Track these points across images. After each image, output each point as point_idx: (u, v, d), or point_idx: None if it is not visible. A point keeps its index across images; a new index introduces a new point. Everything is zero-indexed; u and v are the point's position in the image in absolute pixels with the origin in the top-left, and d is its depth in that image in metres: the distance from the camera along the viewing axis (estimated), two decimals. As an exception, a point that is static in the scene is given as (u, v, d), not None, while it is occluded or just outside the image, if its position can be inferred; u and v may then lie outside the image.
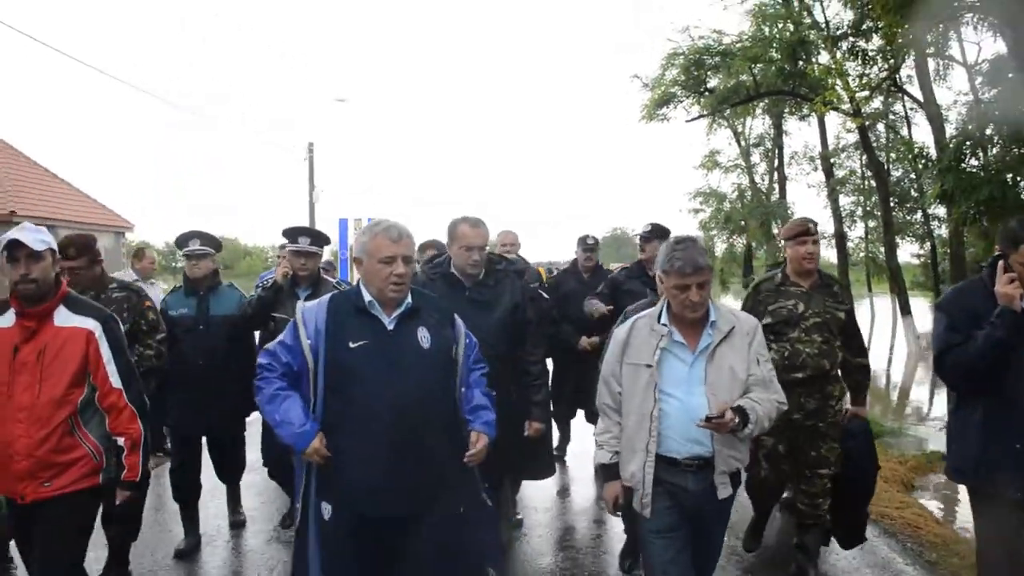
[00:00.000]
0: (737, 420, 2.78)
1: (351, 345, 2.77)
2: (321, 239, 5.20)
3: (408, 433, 2.75)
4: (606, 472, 3.14)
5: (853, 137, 23.24)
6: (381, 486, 2.74)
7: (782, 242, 4.37)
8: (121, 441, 3.18)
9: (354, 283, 5.00)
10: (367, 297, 2.87)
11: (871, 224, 26.83)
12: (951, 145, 10.21)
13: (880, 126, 24.12)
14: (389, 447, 2.73)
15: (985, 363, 3.19)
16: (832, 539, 4.59)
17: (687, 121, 19.59)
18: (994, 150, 9.97)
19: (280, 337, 2.92)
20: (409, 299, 2.90)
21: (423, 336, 2.87)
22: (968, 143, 9.75)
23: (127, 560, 4.53)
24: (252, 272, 56.94)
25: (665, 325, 2.99)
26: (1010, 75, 10.20)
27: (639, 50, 63.47)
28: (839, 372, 4.33)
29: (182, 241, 5.29)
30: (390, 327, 2.85)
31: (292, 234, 5.10)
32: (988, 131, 10.00)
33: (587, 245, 6.44)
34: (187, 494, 5.17)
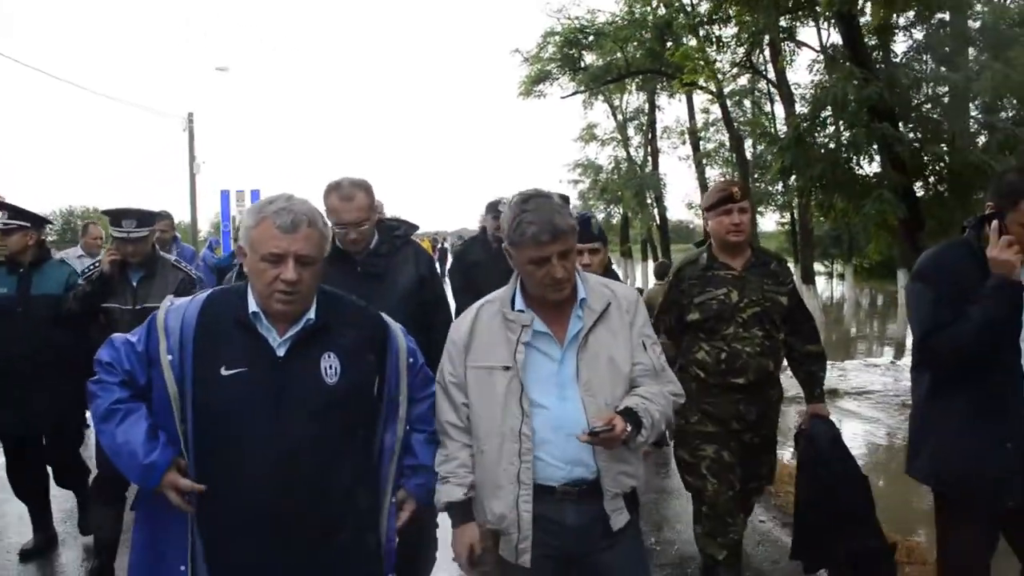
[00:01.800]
0: (629, 428, 2.19)
1: (223, 372, 2.07)
2: (148, 218, 4.53)
3: (297, 503, 2.07)
4: (457, 512, 2.43)
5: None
6: (264, 564, 2.10)
7: (701, 213, 3.55)
8: None
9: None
10: (252, 306, 2.13)
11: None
12: (792, 125, 11.35)
13: (747, 102, 25.72)
14: (272, 519, 2.07)
15: (981, 347, 2.67)
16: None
17: (562, 97, 20.49)
18: (829, 130, 11.15)
19: (130, 335, 2.21)
20: (312, 313, 2.16)
21: (329, 367, 2.13)
22: (805, 124, 10.90)
23: None
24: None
25: (523, 311, 2.37)
26: (845, 63, 11.45)
27: (520, 23, 64.45)
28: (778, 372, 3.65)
29: (115, 218, 4.68)
30: (280, 352, 2.12)
31: (115, 217, 4.44)
32: (824, 113, 11.20)
33: (497, 212, 5.62)
34: (29, 493, 4.84)
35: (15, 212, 4.70)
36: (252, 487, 2.06)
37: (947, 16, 12.14)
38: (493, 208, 5.88)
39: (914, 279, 2.91)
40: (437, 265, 4.81)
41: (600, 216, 31.72)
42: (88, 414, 4.10)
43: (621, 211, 30.50)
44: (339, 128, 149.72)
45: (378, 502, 2.28)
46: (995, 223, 2.64)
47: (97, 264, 4.61)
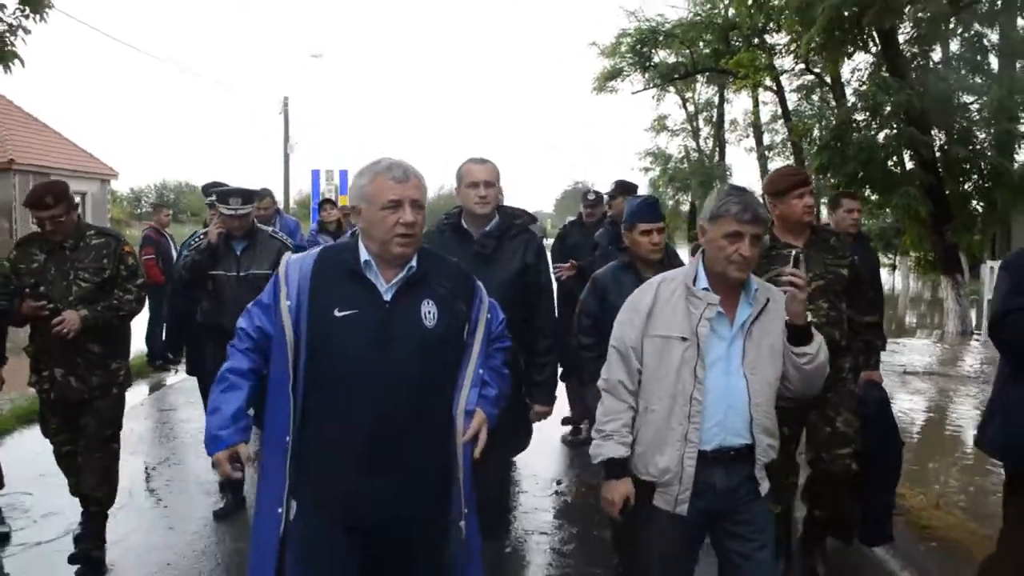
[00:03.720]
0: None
1: (337, 314, 2.28)
2: (251, 197, 4.96)
3: (397, 430, 2.28)
4: (615, 468, 2.66)
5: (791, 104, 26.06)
6: (358, 491, 2.29)
7: (764, 198, 3.67)
8: None
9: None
10: (363, 256, 2.35)
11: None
12: (831, 127, 12.78)
13: (815, 96, 26.76)
14: (372, 445, 2.27)
15: None
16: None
17: (633, 93, 22.03)
18: (864, 133, 12.54)
19: (260, 295, 2.44)
20: (414, 263, 2.36)
21: (428, 311, 2.33)
22: (843, 125, 12.33)
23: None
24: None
25: (708, 289, 2.58)
26: (883, 70, 12.81)
27: (596, 18, 65.91)
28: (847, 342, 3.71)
29: (212, 192, 5.33)
30: (387, 297, 2.33)
31: (223, 196, 4.86)
32: (859, 117, 12.61)
33: (588, 201, 6.68)
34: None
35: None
36: (356, 419, 2.26)
37: (985, 29, 13.28)
38: (584, 197, 6.78)
39: (1000, 268, 3.06)
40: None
41: (669, 203, 33.05)
42: None
43: (689, 199, 31.73)
44: (422, 112, 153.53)
45: (455, 436, 2.41)
46: None
47: (204, 236, 5.00)
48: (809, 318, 2.66)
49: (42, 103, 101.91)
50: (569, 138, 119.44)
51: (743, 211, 2.47)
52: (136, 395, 8.05)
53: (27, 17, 8.18)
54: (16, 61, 8.22)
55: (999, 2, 13.01)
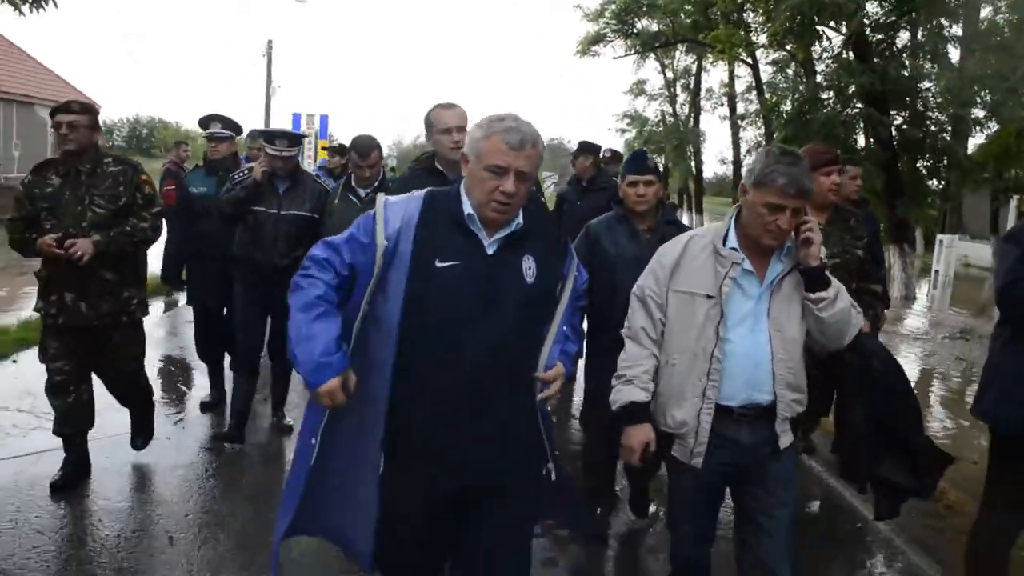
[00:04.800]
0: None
1: (438, 264, 2.20)
2: (297, 140, 5.08)
3: (492, 378, 2.22)
4: (635, 412, 2.67)
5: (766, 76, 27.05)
6: (456, 450, 2.25)
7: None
8: None
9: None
10: (467, 209, 2.26)
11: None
12: (795, 104, 13.74)
13: (790, 70, 27.68)
14: (470, 401, 2.22)
15: None
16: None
17: (615, 58, 22.81)
18: (827, 110, 13.50)
19: (350, 231, 2.31)
20: (520, 219, 2.30)
21: (528, 268, 2.29)
22: (807, 103, 13.28)
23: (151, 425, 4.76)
24: (195, 156, 58.08)
25: (736, 250, 2.58)
26: (847, 54, 13.75)
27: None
28: None
29: (204, 123, 5.56)
30: (490, 251, 2.26)
31: (270, 136, 4.96)
32: (825, 96, 13.57)
33: (587, 154, 6.94)
34: (207, 355, 5.80)
35: (227, 123, 5.49)
36: (456, 371, 2.19)
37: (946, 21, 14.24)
38: (583, 151, 6.97)
39: (1005, 240, 3.12)
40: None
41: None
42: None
43: (663, 161, 32.70)
44: (405, 61, 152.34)
45: (535, 391, 2.36)
46: None
47: (248, 172, 5.01)
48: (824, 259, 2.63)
49: (26, 32, 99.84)
50: (548, 96, 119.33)
51: (788, 184, 2.43)
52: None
53: None
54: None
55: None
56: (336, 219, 4.57)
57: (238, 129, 5.66)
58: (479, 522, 2.37)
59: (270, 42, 31.94)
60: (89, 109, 4.17)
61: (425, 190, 2.36)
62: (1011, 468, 3.05)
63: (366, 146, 4.88)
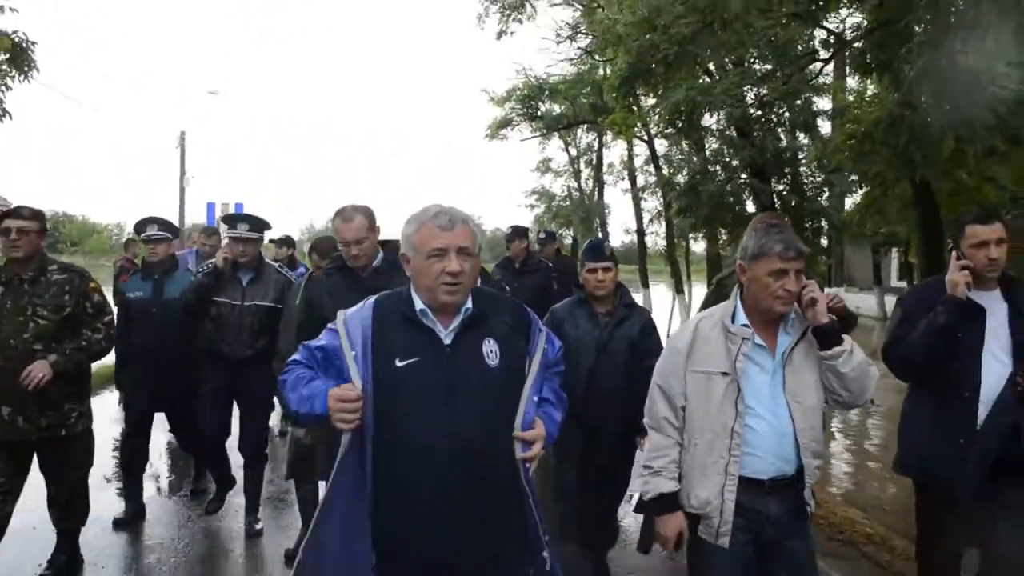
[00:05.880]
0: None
1: (398, 363, 2.24)
2: (261, 224, 5.07)
3: (470, 474, 2.21)
4: (666, 503, 2.74)
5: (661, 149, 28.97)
6: (437, 537, 2.22)
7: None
8: None
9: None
10: (418, 305, 2.29)
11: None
12: (687, 177, 15.17)
13: (684, 143, 29.73)
14: (447, 490, 2.21)
15: (925, 351, 3.09)
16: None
17: (522, 140, 24.33)
18: (716, 183, 14.93)
19: (320, 340, 2.41)
20: (470, 304, 2.31)
21: (490, 351, 2.28)
22: (697, 175, 14.71)
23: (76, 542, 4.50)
24: (99, 249, 57.18)
25: (747, 326, 2.67)
26: (730, 132, 15.31)
27: (488, 66, 68.80)
28: None
29: (140, 227, 5.40)
30: (447, 341, 2.28)
31: (231, 220, 4.97)
32: (712, 169, 15.05)
33: (540, 239, 7.97)
34: (131, 463, 5.44)
35: (163, 225, 5.33)
36: (428, 465, 2.19)
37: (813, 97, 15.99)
38: (517, 234, 7.29)
39: (896, 303, 3.42)
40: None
41: (552, 238, 35.40)
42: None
43: (571, 234, 34.14)
44: (318, 146, 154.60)
45: (522, 471, 2.32)
46: (954, 253, 3.14)
47: (211, 264, 5.07)
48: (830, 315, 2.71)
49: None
50: (458, 176, 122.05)
51: (787, 248, 2.57)
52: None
53: None
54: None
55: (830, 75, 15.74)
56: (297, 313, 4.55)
57: (175, 231, 5.58)
58: None
59: (183, 133, 32.39)
60: (39, 215, 4.07)
61: (373, 297, 2.42)
62: (930, 517, 3.33)
63: (325, 248, 4.93)
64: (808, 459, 2.66)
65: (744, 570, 2.71)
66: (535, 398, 2.38)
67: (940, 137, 5.98)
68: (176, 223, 5.73)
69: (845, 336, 2.65)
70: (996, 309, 3.11)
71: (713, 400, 2.67)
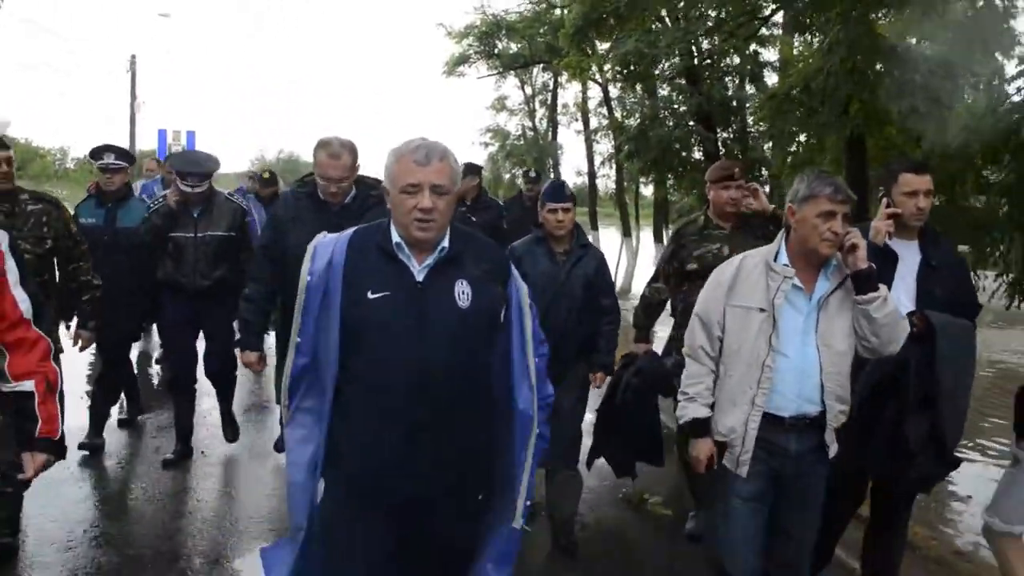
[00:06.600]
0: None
1: (370, 296, 2.23)
2: (208, 175, 5.07)
3: (430, 409, 2.22)
4: (699, 427, 2.87)
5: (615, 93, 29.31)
6: (391, 468, 2.24)
7: (707, 184, 4.23)
8: (30, 385, 2.31)
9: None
10: (395, 237, 2.28)
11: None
12: (638, 121, 15.70)
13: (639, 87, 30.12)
14: (406, 423, 2.22)
15: None
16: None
17: (479, 78, 24.51)
18: (664, 128, 15.48)
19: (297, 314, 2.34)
20: (446, 243, 2.30)
21: (462, 292, 2.27)
22: (647, 120, 15.24)
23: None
24: (43, 175, 55.70)
25: (788, 265, 2.75)
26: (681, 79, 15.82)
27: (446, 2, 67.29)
28: None
29: (96, 154, 5.24)
30: (419, 277, 2.27)
31: (183, 175, 4.96)
32: (661, 114, 15.59)
33: (529, 178, 8.18)
34: (112, 395, 5.62)
35: (120, 153, 5.22)
36: (392, 398, 2.22)
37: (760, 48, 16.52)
38: (526, 175, 8.24)
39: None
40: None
41: (505, 177, 35.77)
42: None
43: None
44: (272, 75, 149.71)
45: (492, 411, 2.37)
46: (884, 200, 3.21)
47: (163, 199, 5.11)
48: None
49: None
50: (417, 114, 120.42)
51: (836, 192, 2.64)
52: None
53: None
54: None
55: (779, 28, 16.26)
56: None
57: (132, 159, 5.51)
58: (413, 550, 2.34)
59: (133, 56, 31.85)
60: (8, 145, 3.93)
61: (352, 229, 2.41)
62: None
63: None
64: (832, 402, 2.77)
65: (758, 500, 2.85)
66: (528, 363, 2.41)
67: (847, 102, 6.54)
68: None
69: (881, 284, 2.74)
70: (909, 258, 3.24)
71: (749, 334, 2.77)
